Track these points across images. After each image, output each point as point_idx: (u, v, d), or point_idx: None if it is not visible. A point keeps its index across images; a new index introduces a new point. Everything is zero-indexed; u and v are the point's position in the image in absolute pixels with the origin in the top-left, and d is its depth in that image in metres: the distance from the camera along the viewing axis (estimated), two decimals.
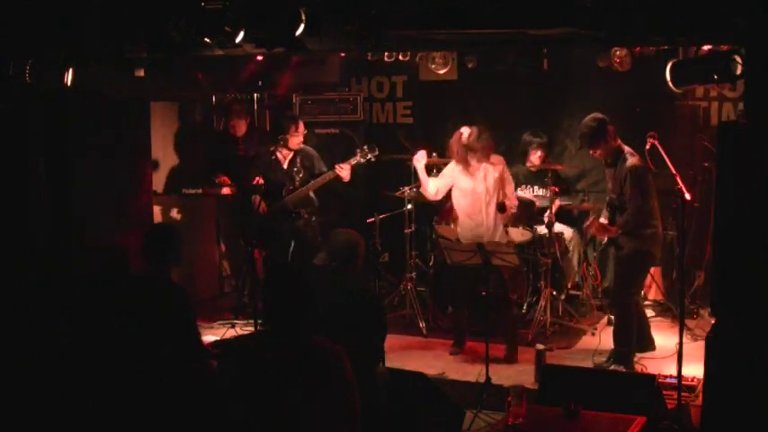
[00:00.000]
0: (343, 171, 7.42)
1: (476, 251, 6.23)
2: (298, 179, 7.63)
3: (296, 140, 7.62)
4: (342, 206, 8.50)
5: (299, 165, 7.66)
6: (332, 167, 7.51)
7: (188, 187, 8.06)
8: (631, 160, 6.21)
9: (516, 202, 7.03)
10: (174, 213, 8.35)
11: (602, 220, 6.52)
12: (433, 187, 6.91)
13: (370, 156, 7.52)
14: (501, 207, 6.62)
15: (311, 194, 7.70)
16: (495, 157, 6.77)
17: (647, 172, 6.25)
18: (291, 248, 7.56)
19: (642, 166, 6.23)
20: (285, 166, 7.67)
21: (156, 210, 7.91)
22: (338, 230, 5.14)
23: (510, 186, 6.86)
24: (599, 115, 6.32)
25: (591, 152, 6.41)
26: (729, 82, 6.28)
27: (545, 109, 8.55)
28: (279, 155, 7.65)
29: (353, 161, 7.47)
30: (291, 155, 7.68)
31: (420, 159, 6.90)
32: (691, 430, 5.16)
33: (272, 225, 7.50)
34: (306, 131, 7.79)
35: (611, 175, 6.33)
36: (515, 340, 6.75)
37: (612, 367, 6.29)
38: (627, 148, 6.31)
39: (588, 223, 6.44)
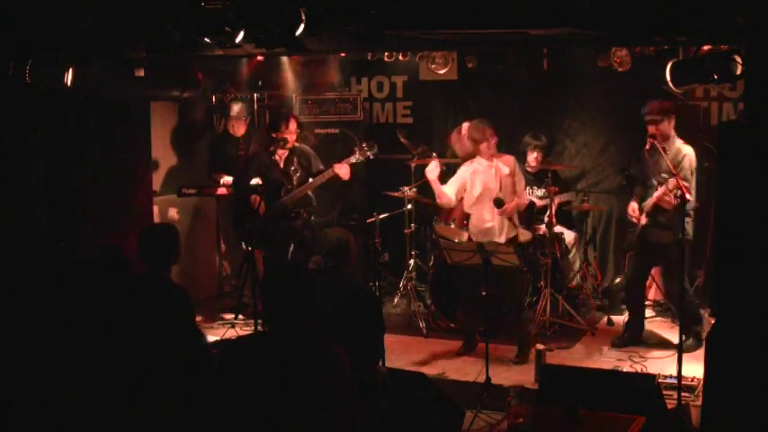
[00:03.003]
0: (342, 170, 7.29)
1: (476, 251, 6.22)
2: (295, 178, 7.51)
3: (290, 138, 7.47)
4: (341, 206, 8.50)
5: (295, 164, 7.53)
6: (330, 166, 7.43)
7: (188, 187, 8.04)
8: (689, 148, 6.55)
9: (527, 201, 7.08)
10: (174, 213, 8.34)
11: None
12: (450, 193, 6.85)
13: (369, 154, 7.38)
14: (498, 203, 6.63)
15: (310, 194, 7.59)
16: (507, 157, 6.85)
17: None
18: (291, 250, 7.51)
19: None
20: (282, 166, 7.54)
21: (156, 210, 7.90)
22: (326, 231, 5.14)
23: (521, 184, 6.88)
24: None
25: (648, 126, 6.57)
26: (729, 82, 6.28)
27: (545, 109, 8.54)
28: (275, 155, 7.54)
29: (353, 159, 7.36)
30: (287, 154, 7.55)
31: (433, 171, 6.76)
32: (691, 430, 5.16)
33: (269, 226, 7.41)
34: (300, 129, 7.65)
35: (662, 156, 6.49)
36: (528, 342, 6.73)
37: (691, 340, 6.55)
38: (680, 140, 6.60)
39: (662, 191, 6.48)
